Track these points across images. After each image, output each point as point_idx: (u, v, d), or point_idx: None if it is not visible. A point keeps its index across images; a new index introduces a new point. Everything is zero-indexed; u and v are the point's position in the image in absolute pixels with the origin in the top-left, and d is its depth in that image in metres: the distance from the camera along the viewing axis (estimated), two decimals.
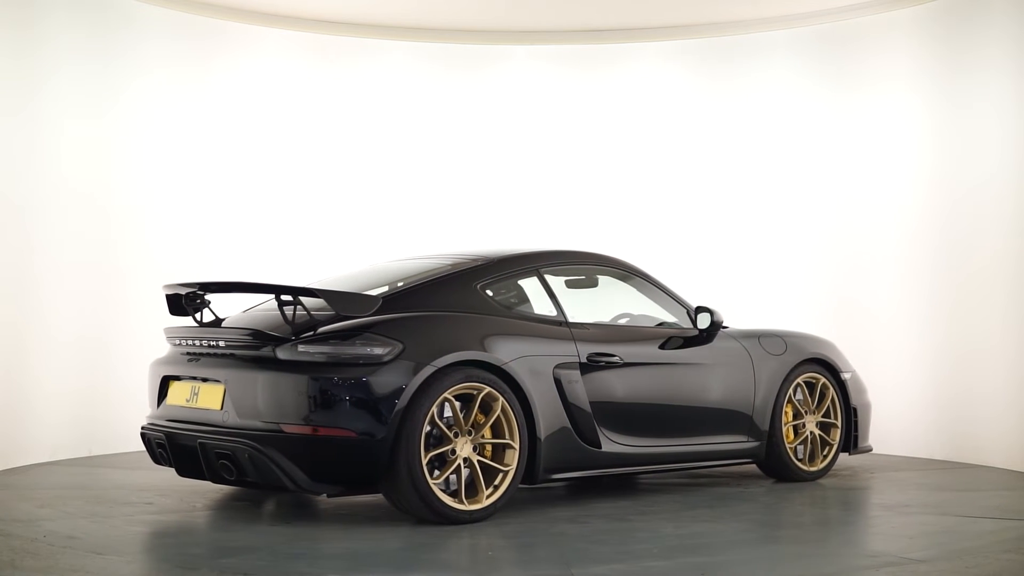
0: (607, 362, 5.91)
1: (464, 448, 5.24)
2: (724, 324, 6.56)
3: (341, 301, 5.33)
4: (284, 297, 5.31)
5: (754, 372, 6.55)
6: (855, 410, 6.96)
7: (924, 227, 8.19)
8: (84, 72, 7.91)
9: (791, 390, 6.68)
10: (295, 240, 9.01)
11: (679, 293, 6.76)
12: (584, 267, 6.55)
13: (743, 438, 6.48)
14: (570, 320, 5.96)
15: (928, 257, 8.15)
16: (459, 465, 5.21)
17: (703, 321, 6.45)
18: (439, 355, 5.18)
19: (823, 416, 6.87)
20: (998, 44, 7.71)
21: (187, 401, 5.56)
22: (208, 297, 5.73)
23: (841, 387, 6.92)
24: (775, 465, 6.66)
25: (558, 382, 5.65)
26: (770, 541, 5.14)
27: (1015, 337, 7.48)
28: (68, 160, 7.77)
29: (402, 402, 5.04)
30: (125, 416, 7.52)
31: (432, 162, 9.38)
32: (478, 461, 5.27)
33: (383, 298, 5.48)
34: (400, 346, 5.14)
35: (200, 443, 5.28)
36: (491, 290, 5.86)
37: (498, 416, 5.36)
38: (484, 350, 5.36)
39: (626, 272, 6.57)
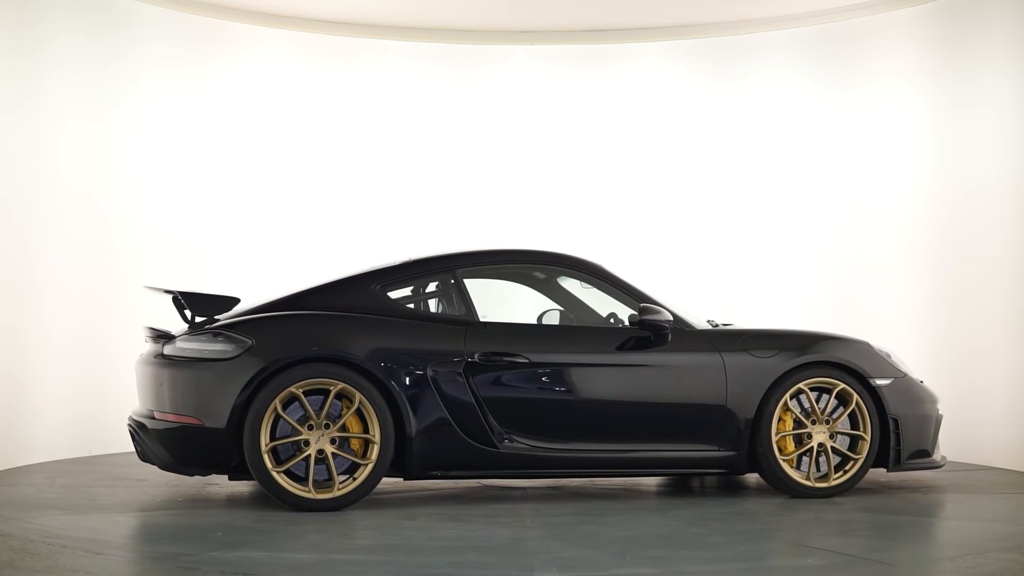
0: (509, 362, 5.87)
1: (321, 440, 5.58)
2: (664, 323, 5.99)
3: (197, 303, 5.91)
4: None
5: (725, 375, 6.03)
6: (895, 421, 6.19)
7: (924, 228, 8.19)
8: (83, 72, 7.91)
9: (788, 396, 6.07)
10: (294, 240, 9.00)
11: (643, 289, 6.32)
12: (515, 266, 6.53)
13: (711, 447, 6.02)
14: (479, 320, 6.02)
15: (928, 257, 8.15)
16: (310, 456, 5.57)
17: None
18: (285, 352, 5.61)
19: (851, 427, 6.16)
20: (998, 44, 7.71)
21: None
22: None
23: (873, 395, 6.19)
24: (771, 479, 6.10)
25: (435, 380, 5.75)
26: (535, 552, 4.71)
27: (1015, 337, 7.48)
28: (67, 160, 7.77)
29: (243, 394, 5.55)
30: (124, 416, 7.51)
31: (432, 162, 9.37)
32: (332, 453, 5.60)
33: (288, 300, 5.97)
34: (249, 343, 5.63)
35: (128, 427, 6.07)
36: (392, 291, 6.10)
37: (359, 411, 5.64)
38: (345, 348, 5.67)
39: (576, 270, 6.37)
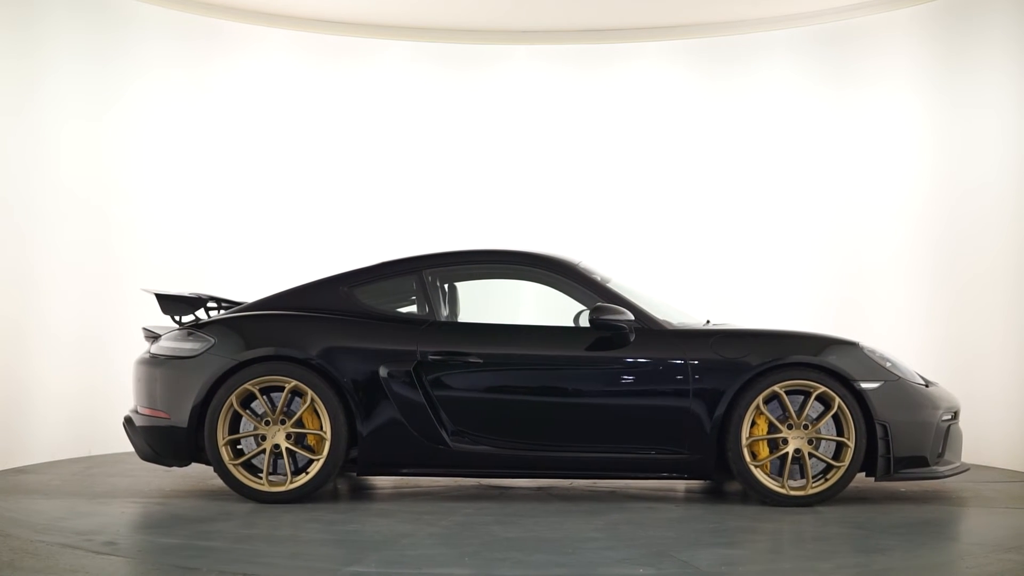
0: (462, 361, 5.90)
1: (277, 435, 5.83)
2: (622, 323, 5.85)
3: (167, 304, 6.16)
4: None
5: (690, 376, 5.83)
6: (884, 427, 5.80)
7: (925, 228, 8.19)
8: (83, 72, 7.91)
9: (761, 399, 5.78)
10: (294, 241, 9.01)
11: (617, 288, 6.18)
12: (483, 267, 6.54)
13: (674, 450, 5.83)
14: (438, 320, 6.10)
15: (929, 258, 8.14)
16: (267, 450, 5.83)
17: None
18: (242, 350, 5.88)
19: (836, 433, 5.84)
20: (998, 44, 7.71)
21: None
22: (193, 296, 6.34)
23: (858, 399, 5.82)
24: (744, 486, 5.87)
25: (387, 379, 5.85)
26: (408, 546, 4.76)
27: (1016, 339, 7.48)
28: (67, 161, 7.77)
29: (202, 391, 5.84)
30: None
31: (432, 162, 9.37)
32: (287, 448, 5.84)
33: (265, 301, 6.20)
34: (211, 342, 5.93)
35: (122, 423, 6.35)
36: (360, 292, 6.24)
37: (312, 407, 5.86)
38: (299, 347, 5.88)
39: (546, 269, 6.30)
